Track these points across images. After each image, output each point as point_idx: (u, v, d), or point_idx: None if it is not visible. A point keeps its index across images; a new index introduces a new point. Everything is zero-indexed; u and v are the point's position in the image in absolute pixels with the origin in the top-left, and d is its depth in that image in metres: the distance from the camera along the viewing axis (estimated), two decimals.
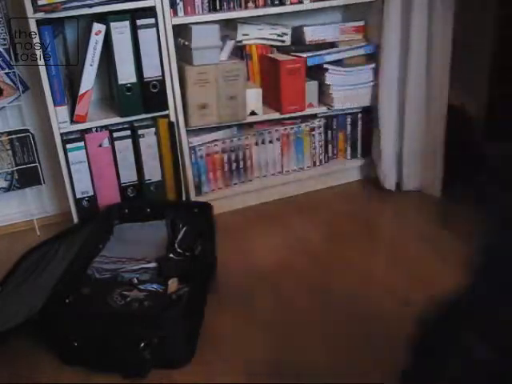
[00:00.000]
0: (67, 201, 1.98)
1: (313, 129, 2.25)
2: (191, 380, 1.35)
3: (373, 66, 2.18)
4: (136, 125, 1.97)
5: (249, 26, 2.08)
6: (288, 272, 1.76)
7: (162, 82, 1.92)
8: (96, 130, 1.94)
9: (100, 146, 1.95)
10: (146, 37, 1.85)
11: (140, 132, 1.97)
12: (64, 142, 1.89)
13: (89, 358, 1.40)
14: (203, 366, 1.39)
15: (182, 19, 1.91)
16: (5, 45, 1.89)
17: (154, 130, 1.98)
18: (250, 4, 2.01)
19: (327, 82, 2.16)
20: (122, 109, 1.93)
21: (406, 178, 2.22)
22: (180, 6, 1.91)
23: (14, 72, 1.93)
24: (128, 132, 1.97)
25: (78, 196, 1.96)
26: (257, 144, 2.18)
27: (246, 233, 2.02)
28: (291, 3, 2.03)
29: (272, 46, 2.15)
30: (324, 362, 1.38)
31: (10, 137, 2.01)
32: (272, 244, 1.94)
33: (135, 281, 1.57)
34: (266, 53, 2.14)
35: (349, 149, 2.35)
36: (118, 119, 1.94)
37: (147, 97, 1.93)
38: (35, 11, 1.70)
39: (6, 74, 1.93)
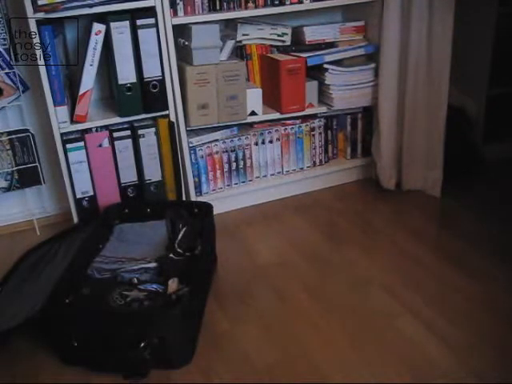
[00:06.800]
0: (67, 201, 1.98)
1: (313, 129, 2.26)
2: (191, 380, 1.35)
3: (373, 65, 2.18)
4: (136, 125, 1.97)
5: (249, 25, 2.09)
6: (288, 272, 1.76)
7: (162, 82, 1.92)
8: (96, 130, 1.94)
9: (100, 145, 1.95)
10: (146, 37, 1.85)
11: (140, 132, 1.97)
12: (64, 142, 1.89)
13: (89, 358, 1.40)
14: (203, 366, 1.39)
15: (181, 19, 1.91)
16: (5, 45, 1.89)
17: (153, 130, 1.98)
18: (250, 4, 2.01)
19: (327, 82, 2.16)
20: (122, 109, 1.93)
21: (406, 178, 2.22)
22: (180, 5, 1.91)
23: (13, 72, 1.93)
24: (128, 132, 1.97)
25: (78, 196, 1.96)
26: (257, 144, 2.18)
27: (245, 233, 2.02)
28: (291, 3, 2.03)
29: (272, 45, 2.15)
30: (324, 361, 1.38)
31: (9, 137, 2.01)
32: (272, 244, 1.94)
33: (135, 281, 1.57)
34: (266, 53, 2.14)
35: (349, 149, 2.35)
36: (118, 119, 1.94)
37: (147, 97, 1.93)
38: (35, 11, 1.70)
39: (6, 73, 1.93)
